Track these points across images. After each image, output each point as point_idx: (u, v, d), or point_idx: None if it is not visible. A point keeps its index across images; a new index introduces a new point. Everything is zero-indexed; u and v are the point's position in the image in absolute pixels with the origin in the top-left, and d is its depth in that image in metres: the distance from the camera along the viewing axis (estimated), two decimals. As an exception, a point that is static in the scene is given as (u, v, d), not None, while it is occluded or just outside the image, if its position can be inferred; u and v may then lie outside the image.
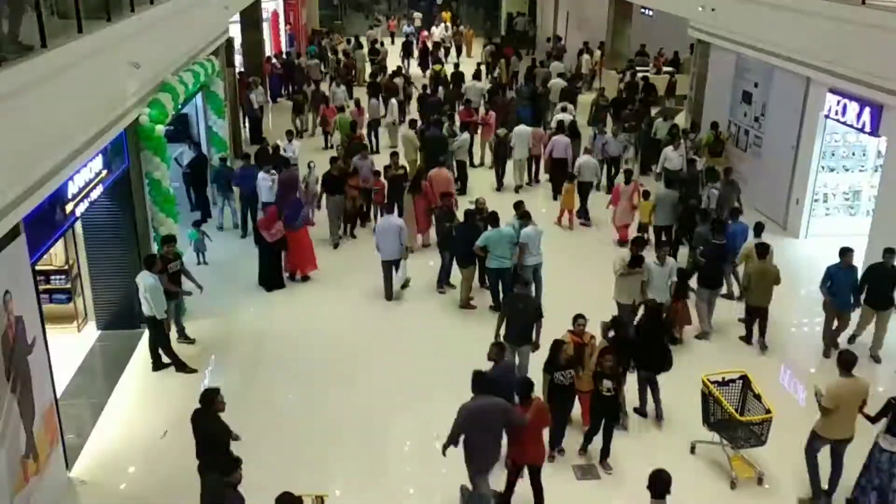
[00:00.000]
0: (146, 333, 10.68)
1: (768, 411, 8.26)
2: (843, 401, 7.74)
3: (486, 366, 8.26)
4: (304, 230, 13.06)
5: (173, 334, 10.94)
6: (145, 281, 10.03)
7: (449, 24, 35.99)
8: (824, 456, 8.12)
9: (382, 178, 14.71)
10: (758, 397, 8.45)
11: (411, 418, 9.64)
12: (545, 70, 24.28)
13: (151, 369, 10.49)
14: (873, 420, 7.75)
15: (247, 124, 20.85)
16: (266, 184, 14.21)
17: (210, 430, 7.58)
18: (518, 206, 12.28)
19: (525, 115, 19.53)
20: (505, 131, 17.64)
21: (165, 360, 10.53)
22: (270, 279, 12.76)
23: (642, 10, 25.89)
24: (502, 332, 9.74)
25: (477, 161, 18.91)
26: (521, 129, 17.37)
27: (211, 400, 7.59)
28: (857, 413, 7.83)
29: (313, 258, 13.20)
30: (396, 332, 11.74)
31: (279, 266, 12.88)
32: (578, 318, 9.05)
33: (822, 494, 8.16)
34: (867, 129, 12.76)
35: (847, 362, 7.85)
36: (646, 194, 14.09)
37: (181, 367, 10.50)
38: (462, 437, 7.52)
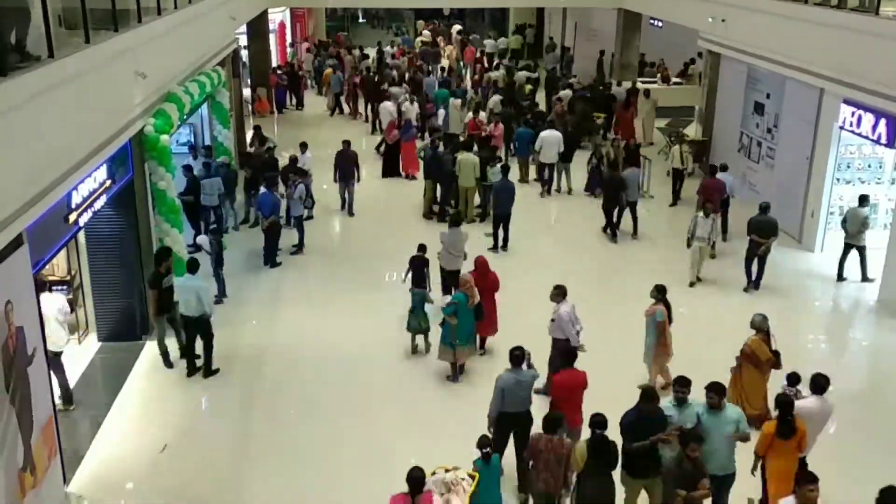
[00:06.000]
0: (148, 345, 10.64)
1: None
2: None
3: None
4: (412, 143, 18.59)
5: (174, 349, 10.69)
6: (196, 283, 10.10)
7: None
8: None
9: None
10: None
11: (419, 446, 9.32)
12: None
13: (203, 374, 10.37)
14: None
15: None
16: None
17: None
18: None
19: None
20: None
21: (214, 366, 10.47)
22: (389, 172, 18.85)
23: (651, 20, 25.76)
24: None
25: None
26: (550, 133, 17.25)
27: None
28: None
29: (417, 164, 17.92)
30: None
31: (393, 166, 18.79)
32: None
33: None
34: (883, 140, 12.54)
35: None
36: None
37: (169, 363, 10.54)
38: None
